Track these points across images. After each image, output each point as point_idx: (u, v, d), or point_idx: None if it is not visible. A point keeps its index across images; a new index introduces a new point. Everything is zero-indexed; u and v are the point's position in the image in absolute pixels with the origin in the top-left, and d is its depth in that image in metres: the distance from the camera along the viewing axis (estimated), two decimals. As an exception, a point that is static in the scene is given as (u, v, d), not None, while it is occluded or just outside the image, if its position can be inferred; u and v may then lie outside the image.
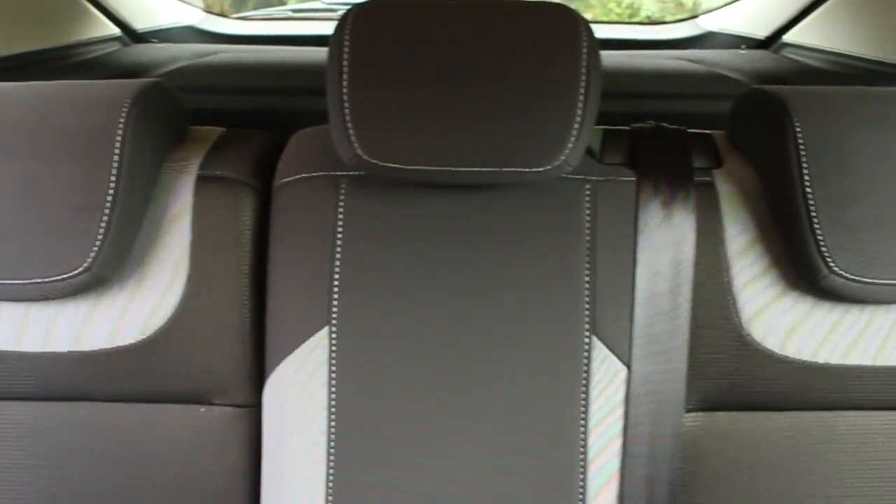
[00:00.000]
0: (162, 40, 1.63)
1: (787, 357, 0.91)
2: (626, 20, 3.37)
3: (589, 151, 0.93)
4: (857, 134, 0.86)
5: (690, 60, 1.46)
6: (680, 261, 0.88)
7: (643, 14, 3.40)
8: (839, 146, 0.86)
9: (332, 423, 0.88)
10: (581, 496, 0.89)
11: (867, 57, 1.34)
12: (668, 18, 1.92)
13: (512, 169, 0.82)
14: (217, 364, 0.92)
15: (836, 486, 0.94)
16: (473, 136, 0.82)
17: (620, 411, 0.89)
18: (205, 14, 1.75)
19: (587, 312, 0.88)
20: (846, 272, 0.85)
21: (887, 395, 0.93)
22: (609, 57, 1.43)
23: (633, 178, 0.91)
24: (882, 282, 0.85)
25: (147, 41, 1.61)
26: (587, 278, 0.88)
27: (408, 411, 0.88)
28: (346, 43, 0.82)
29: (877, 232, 0.85)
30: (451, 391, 0.88)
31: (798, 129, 0.86)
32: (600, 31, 1.70)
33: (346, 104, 0.82)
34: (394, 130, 0.82)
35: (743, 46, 1.61)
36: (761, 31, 1.59)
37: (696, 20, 1.72)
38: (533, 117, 0.81)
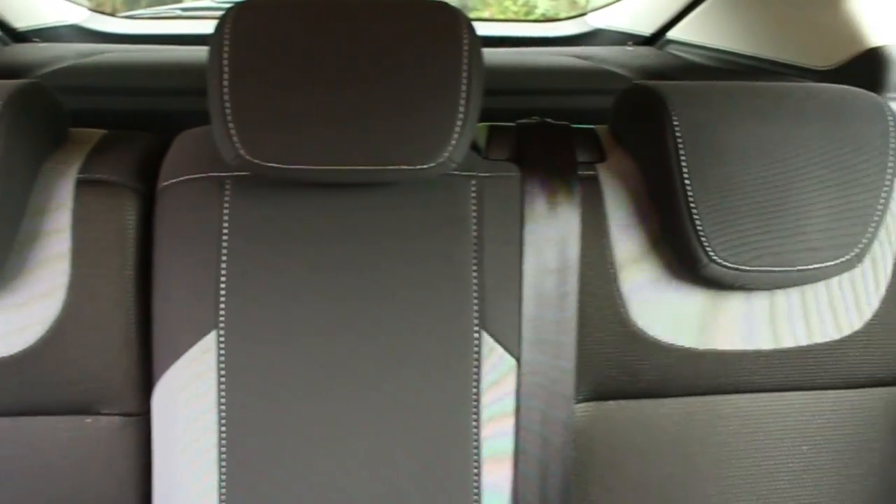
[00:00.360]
0: (45, 39, 1.57)
1: (672, 345, 0.93)
2: (522, 18, 3.41)
3: (475, 148, 0.94)
4: (732, 127, 0.90)
5: (579, 57, 1.49)
6: (566, 254, 0.90)
7: (538, 12, 3.45)
8: (715, 139, 0.89)
9: (223, 429, 0.87)
10: (476, 490, 0.90)
11: (745, 53, 1.39)
12: (562, 16, 1.95)
13: (396, 167, 0.83)
14: (103, 372, 0.89)
15: (722, 468, 0.97)
16: (357, 134, 0.82)
17: (512, 404, 0.90)
18: (90, 12, 1.70)
19: (476, 308, 0.89)
20: (725, 261, 0.88)
21: (767, 379, 0.97)
22: (500, 54, 1.45)
23: (518, 174, 0.92)
24: (759, 269, 0.89)
25: (28, 40, 1.55)
26: (475, 274, 0.89)
27: (300, 413, 0.88)
28: (226, 42, 0.81)
29: (753, 221, 0.88)
30: (343, 391, 0.88)
31: (675, 123, 0.88)
32: (492, 29, 1.74)
33: (227, 104, 0.81)
34: (276, 130, 0.81)
35: (629, 43, 1.65)
36: (647, 29, 1.63)
37: (585, 18, 1.75)
38: (416, 115, 0.82)
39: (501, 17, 3.50)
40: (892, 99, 1.15)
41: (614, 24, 1.70)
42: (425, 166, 0.83)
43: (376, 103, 0.82)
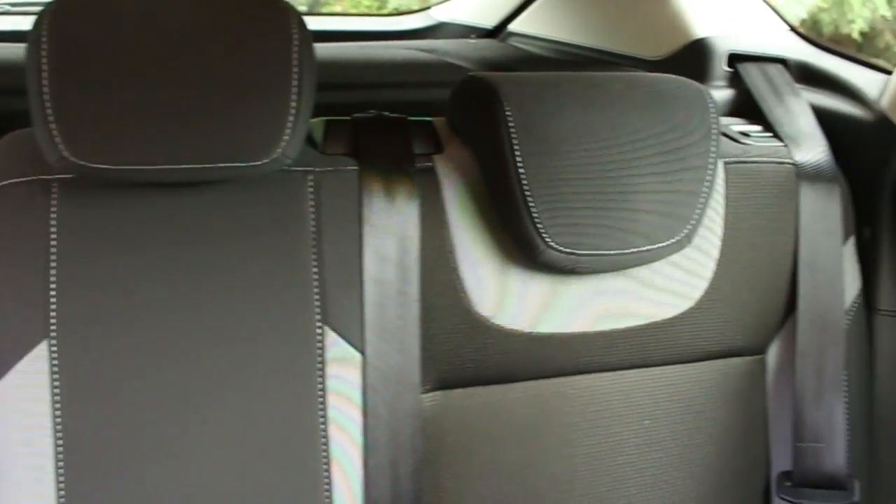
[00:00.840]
0: None
1: (515, 330, 0.95)
2: (375, 12, 3.42)
3: (311, 143, 0.94)
4: (564, 116, 0.92)
5: (422, 50, 1.50)
6: (406, 246, 0.91)
7: (391, 6, 3.46)
8: (548, 128, 0.91)
9: (60, 444, 0.83)
10: (327, 485, 0.89)
11: (582, 44, 1.44)
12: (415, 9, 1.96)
13: (228, 164, 0.81)
14: None
15: (569, 447, 1.00)
16: (185, 131, 0.80)
17: (358, 398, 0.90)
18: None
19: (317, 303, 0.88)
20: (561, 246, 0.90)
21: (609, 358, 1.00)
22: (344, 48, 1.45)
23: (355, 168, 0.92)
24: (595, 253, 0.92)
25: None
26: (315, 269, 0.89)
27: (141, 424, 0.85)
28: (44, 39, 0.78)
29: (587, 207, 0.91)
30: (187, 398, 0.86)
31: (508, 114, 0.90)
32: (338, 24, 1.73)
33: (48, 104, 0.77)
34: (101, 129, 0.79)
35: (472, 36, 1.67)
36: (489, 21, 1.66)
37: (429, 11, 1.76)
38: (246, 111, 0.81)
39: (354, 11, 3.49)
40: (716, 87, 1.22)
41: (458, 18, 1.72)
42: (259, 163, 0.82)
43: (204, 100, 0.80)
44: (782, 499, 1.05)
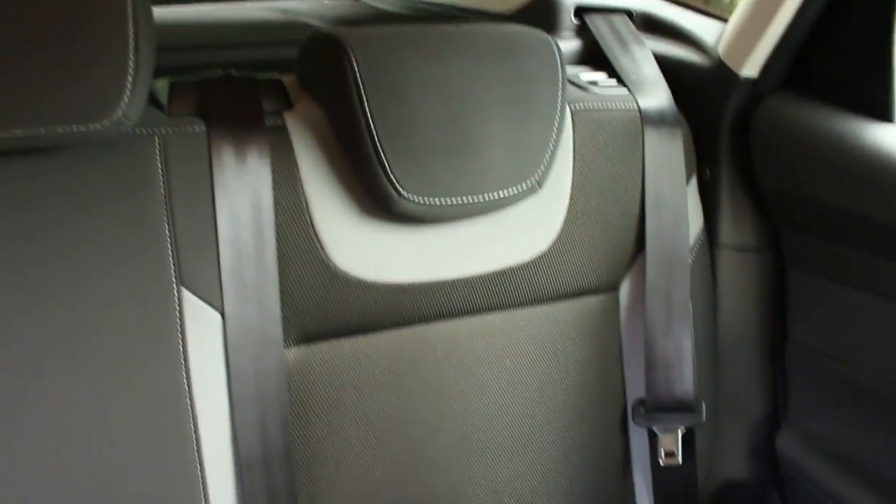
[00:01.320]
0: None
1: (375, 282, 0.97)
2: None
3: (157, 105, 0.92)
4: (412, 68, 0.94)
5: (277, 11, 1.49)
6: (259, 203, 0.91)
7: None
8: (396, 80, 0.92)
9: None
10: (195, 447, 0.90)
11: (432, 0, 1.45)
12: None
13: (68, 128, 0.79)
14: None
15: (435, 391, 1.03)
16: (20, 96, 0.77)
17: (221, 359, 0.90)
18: None
19: (173, 266, 0.88)
20: (415, 196, 0.92)
21: (469, 304, 1.03)
22: (198, 11, 1.42)
23: (204, 128, 0.91)
24: (448, 201, 0.94)
25: None
26: (168, 232, 0.88)
27: None
28: None
29: (438, 156, 0.94)
30: (41, 373, 0.84)
31: (356, 66, 0.91)
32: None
33: None
34: None
35: None
36: None
37: (283, -27, 1.75)
38: (81, 72, 0.79)
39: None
40: (564, 38, 1.26)
41: (311, -21, 1.71)
42: (98, 126, 0.80)
43: (37, 62, 0.78)
44: (637, 424, 1.11)
